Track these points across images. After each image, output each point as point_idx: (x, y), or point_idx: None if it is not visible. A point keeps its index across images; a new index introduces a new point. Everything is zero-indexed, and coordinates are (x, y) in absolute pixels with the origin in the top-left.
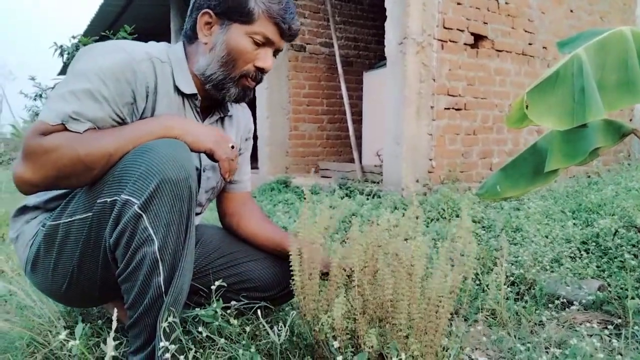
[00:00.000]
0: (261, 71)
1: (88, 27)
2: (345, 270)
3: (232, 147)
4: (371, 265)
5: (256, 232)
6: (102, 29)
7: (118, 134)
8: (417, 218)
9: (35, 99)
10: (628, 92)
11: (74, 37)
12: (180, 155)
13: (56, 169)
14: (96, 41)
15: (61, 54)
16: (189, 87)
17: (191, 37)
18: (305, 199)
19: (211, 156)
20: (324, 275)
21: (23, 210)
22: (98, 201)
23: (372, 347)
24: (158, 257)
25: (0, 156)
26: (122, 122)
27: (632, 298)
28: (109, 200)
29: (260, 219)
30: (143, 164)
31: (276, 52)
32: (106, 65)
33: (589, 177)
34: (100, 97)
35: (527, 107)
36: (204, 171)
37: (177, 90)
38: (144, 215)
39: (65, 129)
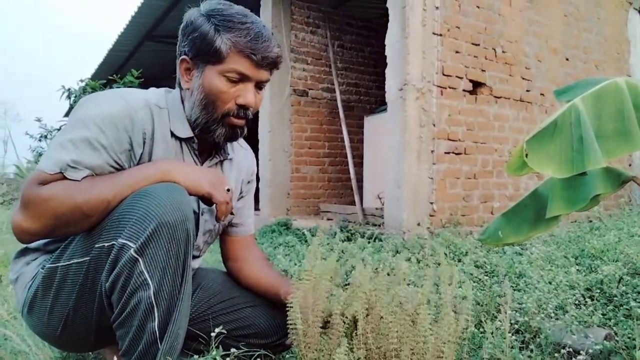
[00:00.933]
0: (244, 107)
1: (96, 70)
2: (347, 318)
3: (228, 190)
4: (374, 313)
5: (257, 279)
6: (109, 72)
7: (116, 180)
8: (418, 262)
9: (40, 140)
10: (626, 141)
11: (81, 81)
12: (178, 199)
13: (54, 217)
14: (103, 85)
15: (68, 97)
16: (185, 131)
17: (180, 84)
18: (306, 242)
19: (208, 200)
20: (326, 323)
21: (24, 252)
22: (96, 246)
23: None
24: (153, 301)
25: (3, 196)
26: (120, 168)
27: None
28: (106, 244)
29: (262, 265)
30: (140, 209)
31: (260, 84)
32: (105, 113)
33: (590, 222)
34: (99, 145)
35: (526, 155)
36: (202, 214)
37: (174, 135)
38: (140, 259)
39: (64, 178)
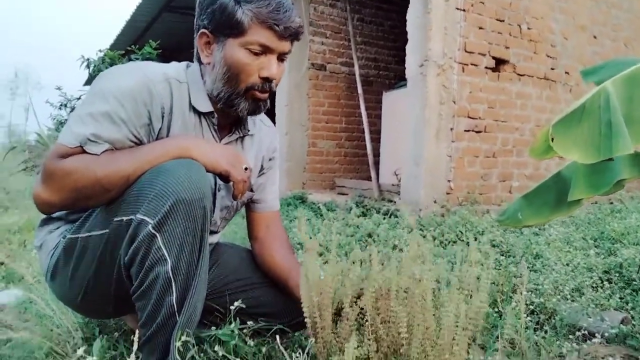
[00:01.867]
0: (267, 80)
1: (114, 41)
2: (357, 307)
3: (246, 168)
4: (383, 303)
5: (272, 264)
6: (128, 43)
7: (135, 156)
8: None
9: (60, 108)
10: None
11: (100, 51)
12: (196, 176)
13: (75, 190)
14: (122, 55)
15: (87, 66)
16: (205, 106)
17: (200, 58)
18: (322, 216)
19: (226, 177)
20: (338, 311)
21: (47, 220)
22: (114, 219)
23: None
24: (171, 276)
25: (26, 162)
26: (139, 143)
27: None
28: (125, 219)
29: (278, 247)
30: (158, 185)
31: (283, 56)
32: (124, 87)
33: (611, 203)
34: (118, 119)
35: (552, 139)
36: (218, 190)
37: (194, 109)
38: (157, 235)
39: (84, 151)
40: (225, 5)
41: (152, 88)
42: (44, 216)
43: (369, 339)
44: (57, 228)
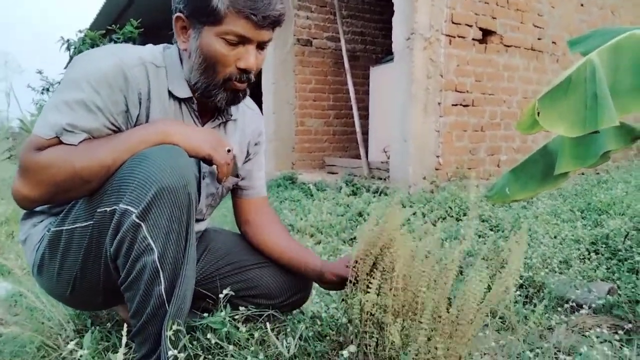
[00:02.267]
0: (245, 72)
1: (94, 20)
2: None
3: (229, 151)
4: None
5: (278, 248)
6: (108, 22)
7: (114, 144)
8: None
9: (42, 93)
10: None
11: (80, 31)
12: (178, 163)
13: (54, 184)
14: (103, 35)
15: (68, 48)
16: (184, 91)
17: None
18: (312, 196)
19: (209, 161)
20: (343, 281)
21: (30, 213)
22: (98, 210)
23: (393, 342)
24: (158, 266)
25: (10, 150)
26: (118, 130)
27: None
28: (108, 209)
29: (279, 231)
30: (140, 173)
31: (262, 45)
32: (98, 73)
33: (598, 174)
34: (94, 107)
35: (538, 114)
36: (203, 178)
37: (173, 95)
38: (142, 225)
39: (60, 142)
40: None
41: (128, 73)
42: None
43: (391, 289)
44: (41, 221)
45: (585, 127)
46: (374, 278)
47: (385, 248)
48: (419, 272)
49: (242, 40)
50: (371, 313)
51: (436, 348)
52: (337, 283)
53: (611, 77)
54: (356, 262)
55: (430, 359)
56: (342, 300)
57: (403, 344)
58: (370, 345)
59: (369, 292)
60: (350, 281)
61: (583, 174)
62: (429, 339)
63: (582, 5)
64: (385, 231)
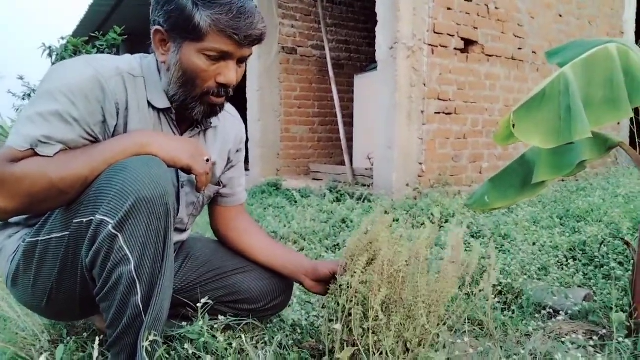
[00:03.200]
0: (224, 86)
1: (77, 27)
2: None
3: (207, 160)
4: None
5: (252, 247)
6: (91, 29)
7: (91, 155)
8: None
9: (23, 99)
10: (614, 108)
11: (62, 38)
12: (156, 173)
13: (29, 196)
14: (85, 42)
15: (50, 55)
16: (162, 102)
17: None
18: (296, 202)
19: (188, 171)
20: (333, 278)
21: (6, 224)
22: (74, 221)
23: (377, 316)
24: (135, 276)
25: None
26: (95, 141)
27: (617, 310)
28: (84, 220)
29: (258, 232)
30: (118, 184)
31: (242, 60)
32: (74, 84)
33: (577, 181)
34: (70, 118)
35: (513, 125)
36: (182, 187)
37: (151, 104)
38: (119, 235)
39: (35, 154)
40: (182, 8)
41: (104, 84)
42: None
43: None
44: (17, 232)
45: (560, 139)
46: (361, 257)
47: (371, 243)
48: (399, 252)
49: (223, 56)
50: (356, 291)
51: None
52: (327, 281)
53: (584, 90)
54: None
55: (412, 328)
56: (323, 306)
57: (385, 315)
58: (356, 320)
59: (355, 273)
60: (340, 275)
61: (563, 180)
62: (410, 307)
63: (560, 16)
64: (371, 233)
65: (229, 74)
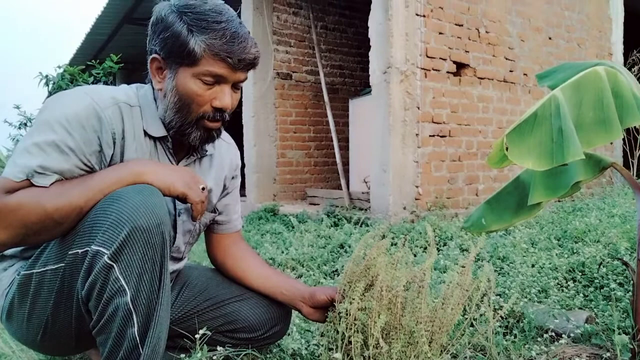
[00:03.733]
0: (220, 111)
1: (74, 55)
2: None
3: (203, 188)
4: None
5: (249, 274)
6: (88, 58)
7: (87, 185)
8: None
9: (19, 128)
10: (605, 130)
11: (59, 67)
12: (152, 202)
13: (24, 227)
14: (82, 70)
15: (46, 84)
16: (158, 130)
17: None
18: (294, 228)
19: (183, 200)
20: (331, 304)
21: (0, 257)
22: (69, 252)
23: (377, 343)
24: (131, 307)
25: None
26: (91, 171)
27: (619, 332)
28: (80, 251)
29: (254, 260)
30: (113, 213)
31: (237, 85)
32: (71, 114)
33: (573, 201)
34: (66, 148)
35: (507, 148)
36: (178, 215)
37: (148, 133)
38: (114, 266)
39: (31, 184)
40: (178, 34)
41: (101, 114)
42: None
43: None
44: (11, 265)
45: (553, 161)
46: (358, 282)
47: (369, 268)
48: (397, 277)
49: (218, 80)
50: (355, 318)
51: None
52: (326, 308)
53: (575, 112)
54: (343, 293)
55: (413, 356)
56: (322, 334)
57: (386, 343)
58: (356, 348)
59: (353, 300)
60: (337, 302)
61: (559, 201)
62: (412, 333)
63: (550, 38)
64: (368, 258)
65: (224, 98)
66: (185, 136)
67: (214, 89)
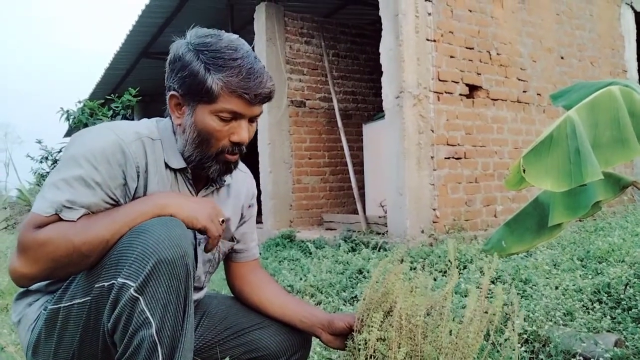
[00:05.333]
0: (237, 145)
1: (94, 90)
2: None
3: (223, 221)
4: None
5: (267, 302)
6: (107, 91)
7: (113, 218)
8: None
9: (41, 162)
10: (623, 148)
11: (79, 102)
12: (176, 234)
13: (52, 260)
14: (101, 104)
15: (67, 118)
16: (178, 162)
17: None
18: (311, 254)
19: (204, 232)
20: (351, 332)
21: (25, 293)
22: (96, 285)
23: None
24: (156, 339)
25: (7, 220)
26: (116, 204)
27: None
28: (106, 284)
29: (272, 287)
30: (139, 246)
31: (254, 118)
32: (96, 150)
33: (594, 220)
34: (93, 182)
35: (524, 170)
36: (199, 245)
37: (168, 165)
38: (140, 298)
39: (60, 219)
40: (195, 73)
41: (126, 148)
42: (21, 289)
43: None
44: (36, 300)
45: (571, 182)
46: (376, 311)
47: (387, 294)
48: (416, 305)
49: (235, 116)
50: (375, 349)
51: None
52: (345, 335)
53: (591, 132)
54: (361, 320)
55: None
56: None
57: None
58: None
59: (372, 330)
60: (356, 330)
61: (581, 220)
62: None
63: (562, 58)
64: (386, 283)
65: (242, 132)
66: (205, 169)
67: (231, 125)
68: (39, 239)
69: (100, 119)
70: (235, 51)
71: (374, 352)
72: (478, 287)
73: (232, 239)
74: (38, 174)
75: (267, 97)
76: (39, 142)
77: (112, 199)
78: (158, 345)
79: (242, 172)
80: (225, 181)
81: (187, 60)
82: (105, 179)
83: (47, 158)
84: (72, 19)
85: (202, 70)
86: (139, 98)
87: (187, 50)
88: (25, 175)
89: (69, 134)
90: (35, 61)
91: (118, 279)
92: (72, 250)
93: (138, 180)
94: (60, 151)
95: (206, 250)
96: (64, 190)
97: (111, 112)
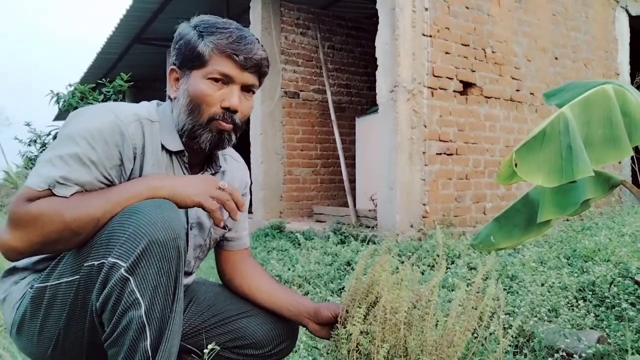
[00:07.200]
0: (229, 110)
1: (85, 74)
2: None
3: (222, 188)
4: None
5: (256, 291)
6: (98, 76)
7: (105, 197)
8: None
9: (29, 145)
10: (614, 147)
11: (70, 85)
12: (169, 216)
13: (42, 235)
14: (92, 89)
15: (57, 102)
16: (175, 144)
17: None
18: (300, 245)
19: (202, 208)
20: (334, 321)
21: (12, 270)
22: (85, 264)
23: None
24: (145, 321)
25: None
26: (110, 184)
27: (633, 353)
28: (96, 263)
29: (262, 276)
30: (131, 226)
31: (247, 89)
32: (94, 129)
33: (582, 220)
34: (88, 160)
35: (516, 165)
36: (191, 229)
37: (165, 148)
38: (130, 279)
39: (52, 194)
40: (189, 39)
41: (124, 129)
42: (8, 266)
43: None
44: (23, 278)
45: (562, 178)
46: (360, 307)
47: (372, 286)
48: (402, 298)
49: (227, 80)
50: (358, 343)
51: None
52: (331, 324)
53: (584, 130)
54: (347, 310)
55: None
56: (327, 353)
57: None
58: None
59: (355, 324)
60: (340, 321)
61: (568, 219)
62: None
63: (556, 58)
64: (371, 275)
65: (232, 97)
66: (197, 138)
67: (223, 91)
68: (30, 212)
69: (91, 103)
70: (230, 23)
71: (357, 345)
72: (468, 285)
73: (224, 227)
74: (26, 157)
75: (258, 65)
76: (28, 124)
77: (106, 178)
78: (146, 326)
79: (236, 161)
80: (220, 167)
81: (184, 33)
82: (101, 158)
83: (35, 141)
84: (64, 6)
85: (195, 36)
86: (131, 83)
87: (186, 27)
88: (13, 157)
89: (58, 117)
90: (23, 46)
91: (108, 259)
92: (63, 226)
93: (134, 162)
94: (49, 134)
95: (217, 224)
96: (58, 167)
97: (102, 96)
